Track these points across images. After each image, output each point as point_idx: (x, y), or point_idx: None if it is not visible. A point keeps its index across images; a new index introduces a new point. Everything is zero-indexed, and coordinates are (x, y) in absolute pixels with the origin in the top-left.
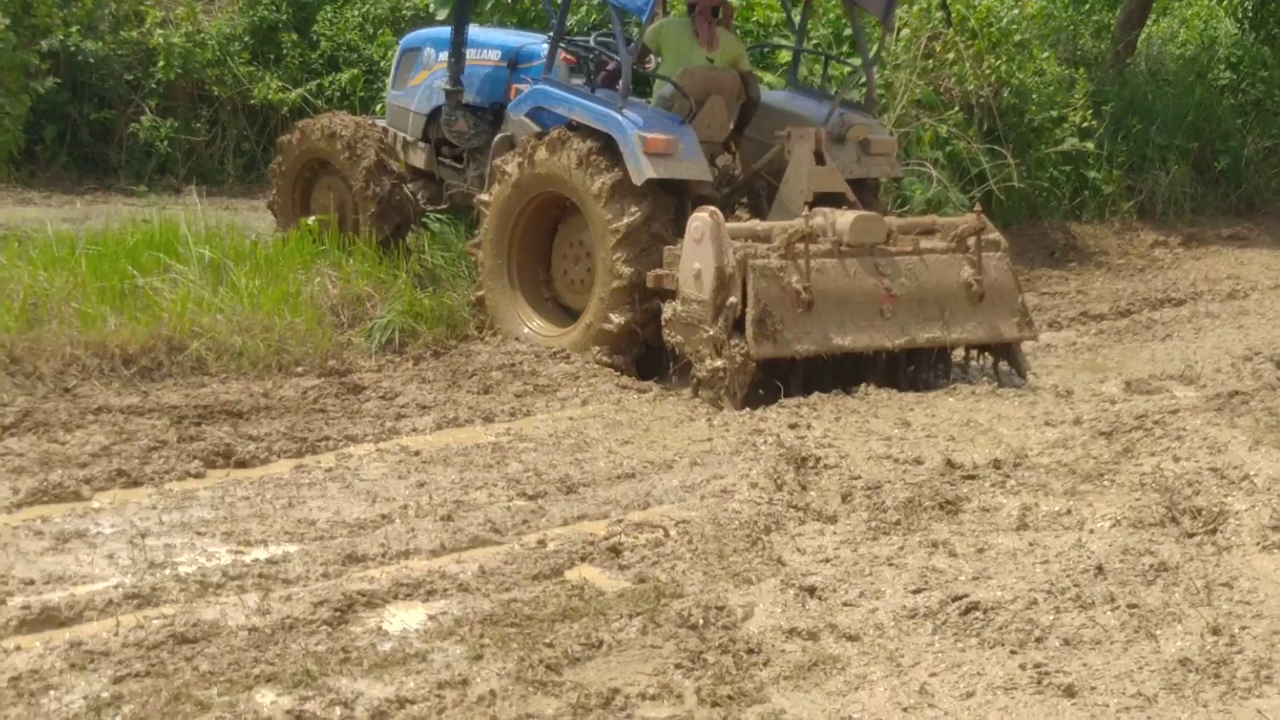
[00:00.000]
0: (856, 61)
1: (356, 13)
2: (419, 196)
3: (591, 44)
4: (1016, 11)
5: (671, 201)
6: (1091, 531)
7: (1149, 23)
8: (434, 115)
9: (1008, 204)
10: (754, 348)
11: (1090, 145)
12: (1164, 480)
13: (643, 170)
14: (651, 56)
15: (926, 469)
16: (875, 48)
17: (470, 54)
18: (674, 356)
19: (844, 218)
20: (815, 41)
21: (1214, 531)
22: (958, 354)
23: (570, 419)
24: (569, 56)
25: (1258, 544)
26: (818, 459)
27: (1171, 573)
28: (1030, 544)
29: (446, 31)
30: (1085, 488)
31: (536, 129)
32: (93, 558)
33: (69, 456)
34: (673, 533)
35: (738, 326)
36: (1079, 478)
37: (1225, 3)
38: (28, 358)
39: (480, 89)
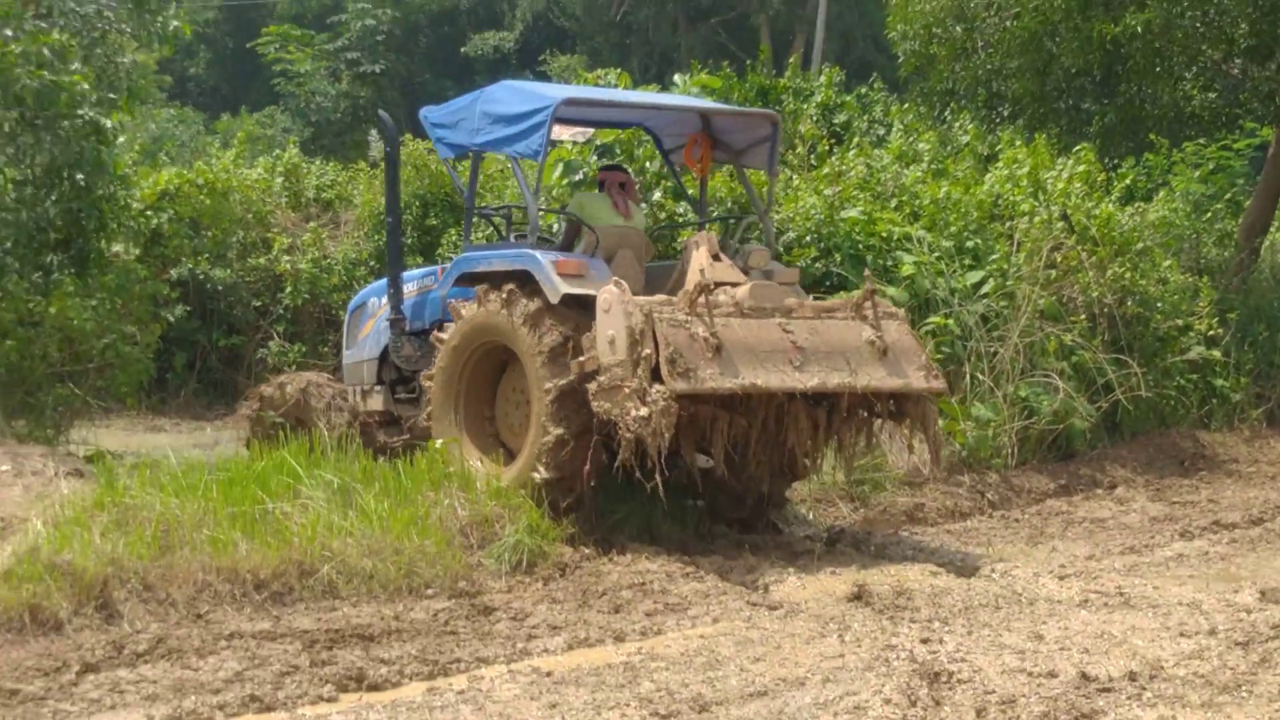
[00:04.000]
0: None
1: (480, 237)
2: (380, 436)
3: (500, 208)
4: (1138, 219)
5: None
6: None
7: (1272, 229)
8: (384, 356)
9: (1135, 414)
10: (671, 385)
11: (1217, 353)
12: None
13: (557, 288)
14: (591, 230)
15: (1061, 682)
16: (765, 199)
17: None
18: (605, 428)
19: (742, 287)
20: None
21: None
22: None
23: (701, 637)
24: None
25: None
26: (951, 674)
27: None
28: None
29: (383, 282)
30: (1223, 699)
31: None
32: None
33: (202, 683)
34: None
35: (655, 376)
36: (1216, 689)
37: None
38: (160, 584)
39: (416, 314)
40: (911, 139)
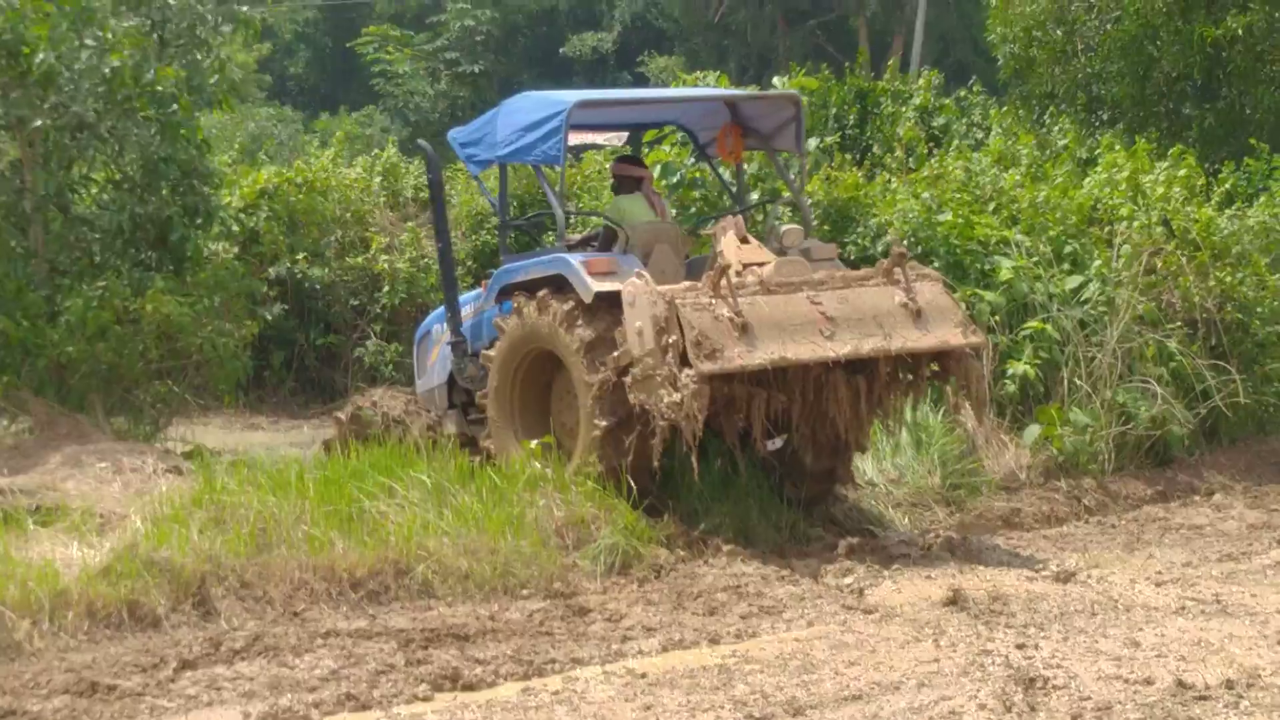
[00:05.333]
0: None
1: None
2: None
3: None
4: (1238, 223)
5: None
6: None
7: None
8: (452, 381)
9: (1234, 420)
10: (699, 366)
11: None
12: None
13: (590, 287)
14: (620, 229)
15: (1157, 689)
16: (798, 178)
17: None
18: (645, 420)
19: (767, 267)
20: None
21: None
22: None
23: (796, 640)
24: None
25: None
26: (1046, 679)
27: None
28: None
29: (442, 309)
30: None
31: None
32: None
33: (298, 681)
34: None
35: (685, 361)
36: None
37: None
38: (257, 582)
39: (475, 335)
40: (1010, 142)
